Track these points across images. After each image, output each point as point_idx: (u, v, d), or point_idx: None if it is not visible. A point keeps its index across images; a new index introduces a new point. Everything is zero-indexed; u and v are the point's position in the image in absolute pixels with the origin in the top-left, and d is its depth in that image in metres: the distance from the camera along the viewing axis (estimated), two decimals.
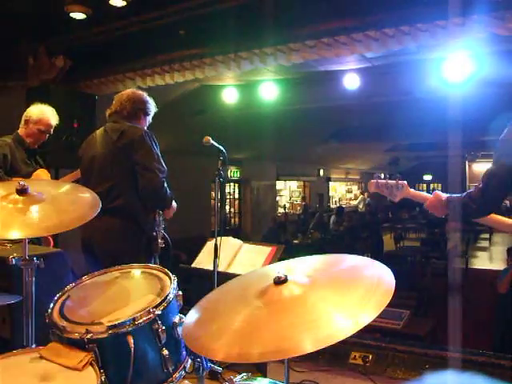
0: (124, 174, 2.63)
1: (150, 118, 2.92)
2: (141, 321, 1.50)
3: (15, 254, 1.93)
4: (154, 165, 2.59)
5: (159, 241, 2.73)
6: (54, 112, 3.45)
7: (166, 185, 2.64)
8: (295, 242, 11.13)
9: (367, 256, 1.52)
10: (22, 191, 1.81)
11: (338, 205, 18.13)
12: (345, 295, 1.26)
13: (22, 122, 3.43)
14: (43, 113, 3.39)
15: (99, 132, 2.81)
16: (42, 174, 3.46)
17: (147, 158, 2.60)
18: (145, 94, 2.87)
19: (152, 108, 2.89)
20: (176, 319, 1.60)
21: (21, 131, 3.42)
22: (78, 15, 4.12)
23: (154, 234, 2.70)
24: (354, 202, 21.66)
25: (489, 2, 3.01)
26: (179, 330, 1.58)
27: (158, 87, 4.83)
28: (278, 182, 15.40)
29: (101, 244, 2.64)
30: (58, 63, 4.67)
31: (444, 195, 2.12)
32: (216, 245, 2.78)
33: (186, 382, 1.70)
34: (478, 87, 5.13)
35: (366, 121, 10.74)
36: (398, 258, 9.13)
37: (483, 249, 13.61)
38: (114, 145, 2.65)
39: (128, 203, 2.62)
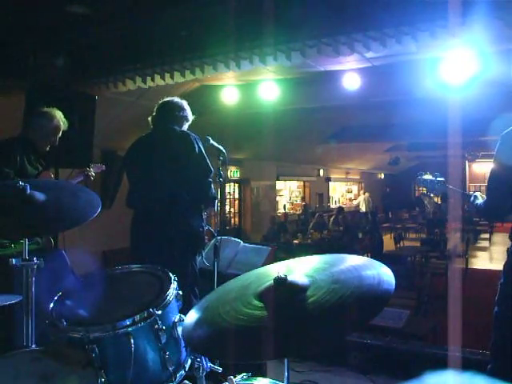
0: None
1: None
2: (141, 321, 1.50)
3: (15, 254, 1.93)
4: None
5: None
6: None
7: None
8: (295, 242, 11.11)
9: (367, 256, 1.52)
10: (22, 191, 1.81)
11: (338, 205, 18.12)
12: (344, 295, 1.26)
13: (38, 125, 3.39)
14: (61, 121, 3.41)
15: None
16: (46, 176, 3.47)
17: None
18: None
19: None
20: (176, 319, 1.60)
21: (31, 133, 3.39)
22: (79, 15, 4.11)
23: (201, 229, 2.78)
24: (355, 202, 21.65)
25: (489, 2, 3.01)
26: (179, 329, 1.58)
27: (157, 87, 4.82)
28: (277, 182, 15.37)
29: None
30: (58, 63, 4.66)
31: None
32: (216, 245, 2.79)
33: (186, 381, 1.70)
34: (478, 87, 5.12)
35: (365, 121, 10.72)
36: (398, 258, 9.12)
37: (483, 249, 13.58)
38: None
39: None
